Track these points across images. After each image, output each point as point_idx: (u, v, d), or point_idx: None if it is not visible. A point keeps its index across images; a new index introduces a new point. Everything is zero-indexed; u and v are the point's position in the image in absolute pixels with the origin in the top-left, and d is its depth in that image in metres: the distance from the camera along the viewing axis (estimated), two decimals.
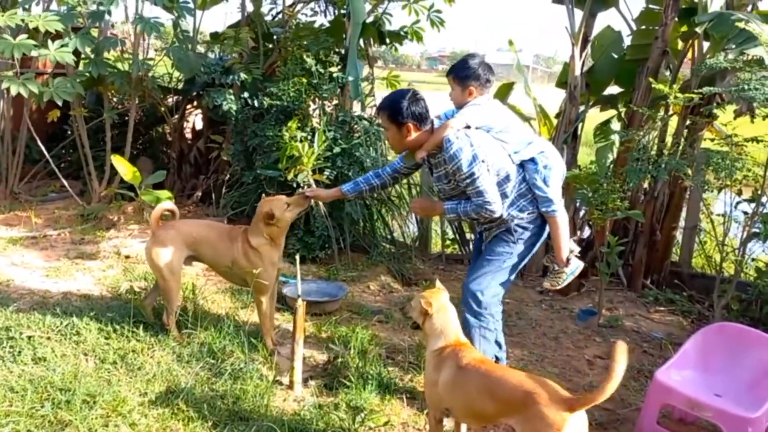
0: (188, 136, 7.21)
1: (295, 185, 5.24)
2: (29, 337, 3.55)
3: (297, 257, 3.52)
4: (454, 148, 3.01)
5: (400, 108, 3.10)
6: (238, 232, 3.76)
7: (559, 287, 3.44)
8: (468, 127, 3.13)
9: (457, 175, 3.05)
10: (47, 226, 5.61)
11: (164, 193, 5.38)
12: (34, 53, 5.05)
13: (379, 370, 3.55)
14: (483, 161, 3.01)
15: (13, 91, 5.04)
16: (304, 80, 5.42)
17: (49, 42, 5.07)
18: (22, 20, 5.02)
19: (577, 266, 3.40)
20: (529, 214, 3.21)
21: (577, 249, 3.47)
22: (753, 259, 4.77)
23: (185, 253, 3.74)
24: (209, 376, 3.35)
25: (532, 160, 3.22)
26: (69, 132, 6.95)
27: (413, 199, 3.43)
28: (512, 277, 3.35)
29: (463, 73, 3.29)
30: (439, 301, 2.78)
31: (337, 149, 5.39)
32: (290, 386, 3.40)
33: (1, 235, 5.28)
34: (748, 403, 2.96)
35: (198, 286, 4.47)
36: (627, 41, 5.76)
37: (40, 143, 6.06)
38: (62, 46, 5.09)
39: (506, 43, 6.58)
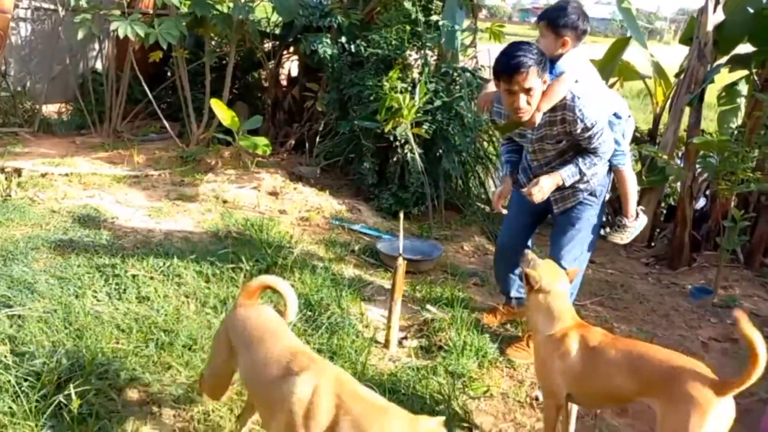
0: (283, 83, 7.16)
1: (392, 138, 5.09)
2: (134, 276, 3.61)
3: (401, 214, 3.39)
4: (584, 108, 2.83)
5: (545, 58, 2.82)
6: None
7: (627, 241, 3.50)
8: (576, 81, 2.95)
9: (585, 133, 2.88)
10: (148, 166, 5.72)
11: (261, 140, 5.35)
12: None
13: (476, 336, 3.41)
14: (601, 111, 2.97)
15: (121, 33, 5.08)
16: (408, 28, 5.17)
17: None
18: None
19: (644, 220, 3.43)
20: (603, 165, 3.13)
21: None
22: None
23: None
24: (306, 328, 3.31)
25: (615, 114, 3.18)
26: (169, 74, 7.03)
27: (527, 191, 3.03)
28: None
29: (561, 21, 3.02)
30: (557, 282, 2.55)
31: (437, 102, 5.16)
32: (386, 345, 3.33)
33: (106, 173, 5.43)
34: None
35: (295, 236, 4.44)
36: None
37: (143, 83, 6.15)
38: None
39: None
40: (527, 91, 2.78)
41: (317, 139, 6.19)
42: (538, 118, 2.91)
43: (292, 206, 5.05)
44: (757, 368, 2.05)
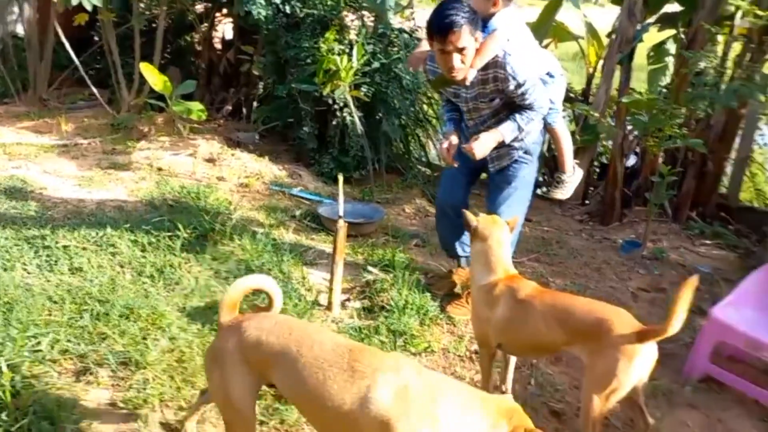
0: (218, 46, 6.94)
1: (331, 101, 5.03)
2: (65, 247, 3.50)
3: (340, 177, 3.38)
4: (515, 65, 2.87)
5: (476, 17, 2.83)
6: None
7: (567, 196, 3.61)
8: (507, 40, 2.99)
9: (518, 90, 2.92)
10: (77, 135, 5.50)
11: (195, 105, 5.20)
12: None
13: (418, 295, 3.46)
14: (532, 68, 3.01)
15: None
16: None
17: None
18: None
19: (580, 174, 3.57)
20: (539, 122, 3.19)
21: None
22: None
23: None
24: (248, 294, 3.27)
25: (548, 73, 3.24)
26: (96, 38, 6.71)
27: (468, 147, 3.05)
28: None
29: None
30: (496, 231, 2.61)
31: (376, 64, 5.11)
32: (328, 308, 3.35)
33: (33, 142, 5.19)
34: None
35: (233, 202, 4.37)
36: None
37: (69, 48, 5.85)
38: None
39: None
40: (460, 51, 2.81)
41: (255, 104, 6.06)
42: (471, 76, 2.94)
43: (231, 173, 4.96)
44: (675, 320, 2.16)
